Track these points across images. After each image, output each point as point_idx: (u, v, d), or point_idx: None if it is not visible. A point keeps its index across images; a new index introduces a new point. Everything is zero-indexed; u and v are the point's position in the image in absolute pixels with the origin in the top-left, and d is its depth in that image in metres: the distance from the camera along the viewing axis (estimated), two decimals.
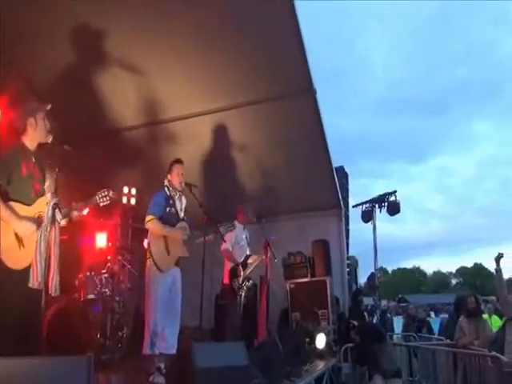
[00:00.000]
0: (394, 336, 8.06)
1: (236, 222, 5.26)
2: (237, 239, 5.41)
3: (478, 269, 60.28)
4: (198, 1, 3.84)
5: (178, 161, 4.24)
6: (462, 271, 62.67)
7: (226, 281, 5.23)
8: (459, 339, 5.51)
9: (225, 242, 5.00)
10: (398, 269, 65.03)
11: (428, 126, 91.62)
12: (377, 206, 6.05)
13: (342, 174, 8.08)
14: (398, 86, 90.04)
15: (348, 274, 7.78)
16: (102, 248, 5.81)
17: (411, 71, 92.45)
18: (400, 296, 46.85)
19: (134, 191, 6.54)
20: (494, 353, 4.47)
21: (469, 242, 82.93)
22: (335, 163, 6.67)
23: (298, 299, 6.59)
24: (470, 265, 61.97)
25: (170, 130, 5.65)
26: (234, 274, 5.20)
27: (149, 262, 3.94)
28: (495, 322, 6.84)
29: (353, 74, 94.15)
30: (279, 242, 5.91)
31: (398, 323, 12.83)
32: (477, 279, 57.17)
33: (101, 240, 5.87)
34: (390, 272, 64.99)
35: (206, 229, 4.18)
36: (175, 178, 4.13)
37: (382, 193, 6.04)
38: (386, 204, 5.96)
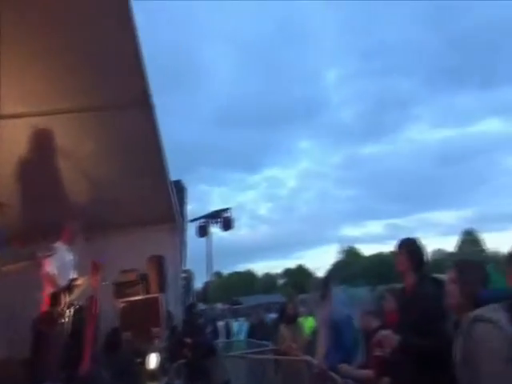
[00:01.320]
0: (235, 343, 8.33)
1: (59, 244, 4.77)
2: (60, 261, 4.92)
3: (301, 269, 67.43)
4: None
5: None
6: (287, 272, 69.02)
7: (45, 308, 4.68)
8: (280, 345, 5.98)
9: (45, 265, 4.47)
10: (234, 272, 68.34)
11: (263, 139, 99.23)
12: (212, 221, 6.22)
13: (180, 187, 8.04)
14: (239, 100, 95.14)
15: (184, 288, 7.80)
16: None
17: (252, 86, 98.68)
18: (234, 298, 49.10)
19: None
20: (305, 356, 4.93)
21: (293, 246, 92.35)
22: (174, 176, 6.61)
23: (129, 318, 6.29)
24: (293, 266, 68.93)
25: None
26: (55, 299, 4.69)
27: None
28: (309, 324, 7.11)
29: (195, 85, 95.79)
30: (111, 259, 5.56)
31: (238, 327, 13.36)
32: (300, 279, 63.76)
33: None
34: (226, 276, 67.74)
35: (19, 254, 3.67)
36: None
37: (217, 209, 6.24)
38: (221, 220, 6.17)
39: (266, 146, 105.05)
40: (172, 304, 6.98)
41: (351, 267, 58.03)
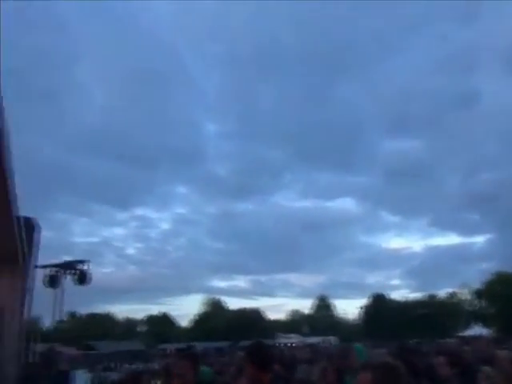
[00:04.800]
0: None
1: None
2: None
3: (165, 317, 64.80)
4: None
5: None
6: (150, 319, 65.72)
7: None
8: None
9: None
10: (91, 314, 62.78)
11: (137, 176, 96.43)
12: (65, 272, 5.66)
13: (30, 225, 7.12)
14: (116, 131, 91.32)
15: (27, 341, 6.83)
16: None
17: (130, 119, 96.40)
18: (88, 342, 44.85)
19: None
20: None
21: (158, 291, 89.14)
22: (28, 205, 5.82)
23: None
24: (157, 313, 66.05)
25: None
26: None
27: None
28: None
29: (67, 105, 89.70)
30: None
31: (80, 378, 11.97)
32: (163, 327, 61.11)
33: None
34: (81, 316, 61.93)
35: None
36: None
37: (72, 259, 5.72)
38: (76, 272, 5.66)
39: (140, 184, 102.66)
40: (6, 361, 6.02)
41: (215, 320, 57.82)
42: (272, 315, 66.09)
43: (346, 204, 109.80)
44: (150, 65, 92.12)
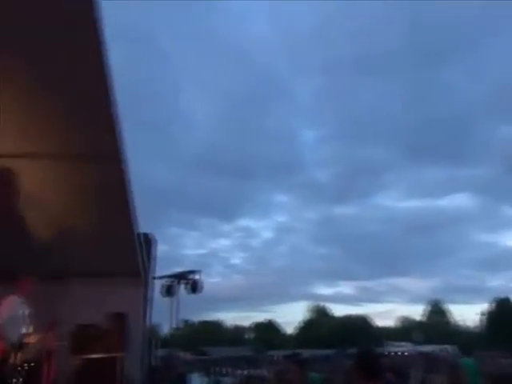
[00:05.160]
0: None
1: (13, 296, 4.65)
2: (13, 314, 4.71)
3: (271, 324, 65.99)
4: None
5: None
6: (257, 326, 67.42)
7: None
8: None
9: None
10: (203, 321, 66.45)
11: (238, 189, 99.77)
12: (179, 281, 6.17)
13: (148, 240, 7.92)
14: (215, 147, 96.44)
15: (150, 346, 7.53)
16: None
17: (230, 136, 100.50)
18: (201, 348, 47.52)
19: None
20: None
21: (263, 298, 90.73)
22: (145, 221, 6.47)
23: (85, 377, 6.03)
24: (263, 320, 67.56)
25: None
26: (4, 357, 4.47)
27: None
28: None
29: (175, 130, 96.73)
30: (71, 310, 5.42)
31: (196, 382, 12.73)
32: (269, 334, 62.24)
33: None
34: (194, 324, 65.78)
35: None
36: None
37: (186, 270, 6.21)
38: (189, 281, 6.13)
39: (241, 196, 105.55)
40: (132, 365, 6.72)
41: (320, 327, 57.33)
42: (380, 322, 63.50)
43: (459, 200, 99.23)
44: (245, 82, 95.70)
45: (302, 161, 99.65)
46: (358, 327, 55.57)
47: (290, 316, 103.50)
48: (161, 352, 10.06)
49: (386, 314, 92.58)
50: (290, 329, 66.23)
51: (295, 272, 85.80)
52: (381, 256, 76.95)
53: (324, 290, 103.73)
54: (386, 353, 32.31)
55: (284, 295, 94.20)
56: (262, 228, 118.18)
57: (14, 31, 3.34)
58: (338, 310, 76.68)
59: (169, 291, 6.25)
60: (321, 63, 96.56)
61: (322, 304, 64.36)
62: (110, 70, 3.84)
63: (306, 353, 34.95)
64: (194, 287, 6.09)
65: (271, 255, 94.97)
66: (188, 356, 36.19)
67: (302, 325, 62.71)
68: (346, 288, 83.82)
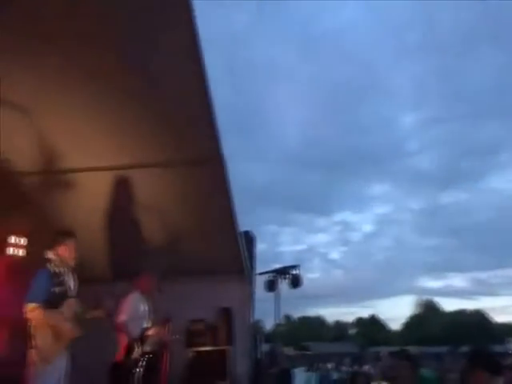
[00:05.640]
0: None
1: (135, 292, 5.09)
2: (135, 310, 5.14)
3: (374, 320, 64.00)
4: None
5: (71, 234, 4.02)
6: (359, 322, 65.88)
7: (120, 357, 4.93)
8: None
9: (119, 314, 4.79)
10: (303, 317, 66.74)
11: (332, 182, 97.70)
12: (280, 277, 6.27)
13: (249, 238, 8.21)
14: (310, 142, 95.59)
15: (255, 341, 7.77)
16: None
17: (323, 129, 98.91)
18: (303, 344, 47.77)
19: (22, 241, 6.01)
20: None
21: (365, 293, 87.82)
22: (242, 220, 6.68)
23: (197, 369, 6.43)
24: (365, 315, 65.70)
25: (67, 182, 5.37)
26: (130, 348, 4.93)
27: (33, 353, 3.54)
28: None
29: (267, 127, 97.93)
30: (182, 307, 5.79)
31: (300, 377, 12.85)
32: (372, 330, 60.41)
33: None
34: (295, 319, 66.38)
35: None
36: (69, 253, 3.90)
37: (286, 265, 6.29)
38: (289, 276, 6.20)
39: (338, 189, 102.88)
40: (241, 359, 6.99)
41: (428, 323, 54.02)
42: (499, 318, 58.07)
43: None
44: (339, 72, 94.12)
45: (401, 147, 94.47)
46: (474, 323, 51.34)
47: (394, 311, 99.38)
48: (264, 347, 10.28)
49: (506, 308, 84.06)
50: (393, 324, 63.76)
51: (399, 265, 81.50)
52: (497, 244, 69.69)
53: (432, 282, 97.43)
54: (510, 352, 29.47)
55: (387, 290, 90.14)
56: (362, 221, 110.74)
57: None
58: (449, 305, 71.62)
59: (271, 286, 6.37)
60: (421, 43, 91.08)
61: (430, 298, 60.68)
62: (207, 74, 3.98)
63: (414, 350, 33.21)
64: (295, 282, 6.14)
65: (372, 248, 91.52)
66: (291, 351, 36.63)
67: (408, 320, 59.87)
68: (456, 280, 78.42)
